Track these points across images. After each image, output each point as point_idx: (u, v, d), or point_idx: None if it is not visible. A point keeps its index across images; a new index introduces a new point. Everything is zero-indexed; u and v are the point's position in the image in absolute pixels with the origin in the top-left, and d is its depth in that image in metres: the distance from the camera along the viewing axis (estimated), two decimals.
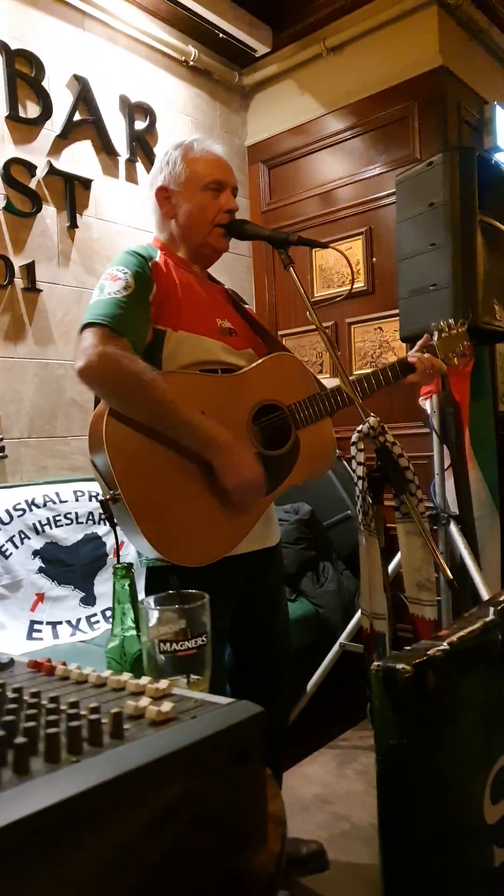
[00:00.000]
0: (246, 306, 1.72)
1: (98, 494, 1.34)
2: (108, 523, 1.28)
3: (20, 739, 0.51)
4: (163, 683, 0.66)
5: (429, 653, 0.84)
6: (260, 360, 1.54)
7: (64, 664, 0.75)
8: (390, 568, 2.22)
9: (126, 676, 0.69)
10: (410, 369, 1.58)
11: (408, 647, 0.88)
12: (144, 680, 0.68)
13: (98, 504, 1.36)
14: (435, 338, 1.62)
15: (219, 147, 1.60)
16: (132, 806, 0.50)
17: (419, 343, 1.64)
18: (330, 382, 1.64)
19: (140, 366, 1.32)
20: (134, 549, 1.51)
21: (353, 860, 1.86)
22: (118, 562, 0.98)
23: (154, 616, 0.79)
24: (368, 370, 1.77)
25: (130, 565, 0.97)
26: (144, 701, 0.61)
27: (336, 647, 2.43)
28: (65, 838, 0.45)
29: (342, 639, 2.42)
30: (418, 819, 0.83)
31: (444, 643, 0.87)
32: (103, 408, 1.33)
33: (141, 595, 1.20)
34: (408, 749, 0.83)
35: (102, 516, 1.31)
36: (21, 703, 0.61)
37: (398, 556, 2.25)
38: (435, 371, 1.58)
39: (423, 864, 0.84)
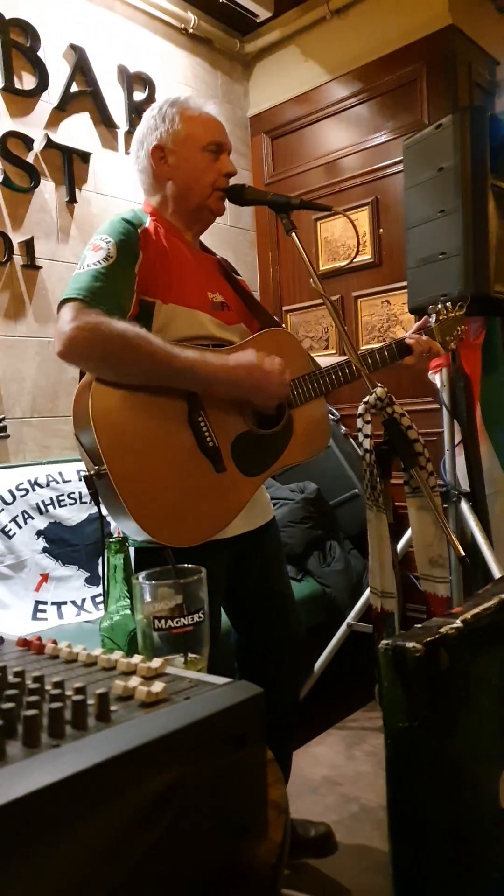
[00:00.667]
0: (238, 278, 1.65)
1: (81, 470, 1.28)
2: (92, 500, 1.22)
3: None
4: (155, 662, 0.62)
5: (441, 630, 0.80)
6: (252, 336, 1.48)
7: (54, 643, 0.71)
8: (399, 547, 2.18)
9: (117, 655, 0.65)
10: (408, 351, 1.56)
11: (419, 625, 0.83)
12: (137, 659, 0.63)
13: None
14: (432, 321, 1.60)
15: (214, 107, 1.52)
16: (118, 795, 0.46)
17: (416, 325, 1.63)
18: (325, 361, 1.59)
19: (121, 326, 1.24)
20: None
21: (362, 843, 1.83)
22: (111, 537, 0.93)
23: (148, 592, 0.75)
24: (375, 345, 1.72)
25: (125, 539, 0.92)
26: (135, 681, 0.57)
27: (343, 627, 2.39)
28: (42, 830, 0.41)
29: (350, 618, 2.38)
30: (430, 805, 0.78)
31: (458, 620, 0.83)
32: (87, 380, 1.27)
33: None
34: (419, 733, 0.79)
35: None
36: (2, 683, 0.57)
37: (407, 534, 2.21)
38: (432, 354, 1.57)
39: (434, 851, 0.79)
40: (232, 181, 1.52)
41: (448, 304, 1.62)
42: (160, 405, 1.30)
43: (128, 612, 0.87)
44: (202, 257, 1.57)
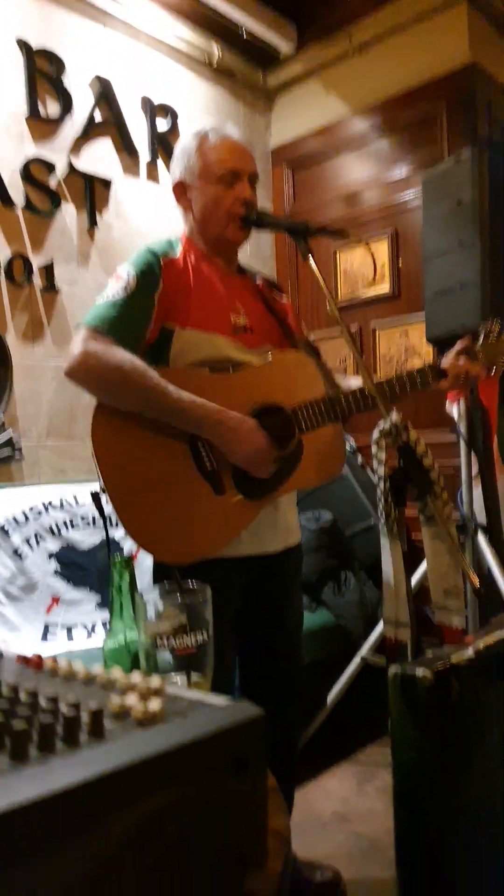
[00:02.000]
0: (284, 301, 1.67)
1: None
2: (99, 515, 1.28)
3: None
4: (155, 681, 0.60)
5: (452, 659, 0.77)
6: (265, 362, 1.48)
7: (54, 660, 0.70)
8: (414, 581, 2.14)
9: (117, 673, 0.63)
10: (442, 375, 1.45)
11: (429, 651, 0.81)
12: (136, 676, 0.62)
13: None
14: (480, 340, 1.47)
15: (236, 131, 1.56)
16: (109, 815, 0.43)
17: (457, 346, 1.47)
18: (353, 382, 1.57)
19: (122, 356, 1.31)
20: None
21: (372, 882, 1.77)
22: (123, 559, 0.92)
23: (152, 610, 0.73)
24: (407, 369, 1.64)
25: (131, 558, 0.91)
26: (131, 698, 0.55)
27: (357, 660, 2.34)
28: (25, 848, 0.39)
29: (363, 652, 2.33)
30: (441, 846, 0.74)
31: (470, 650, 0.80)
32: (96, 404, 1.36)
33: None
34: (430, 766, 0.76)
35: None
36: None
37: (422, 567, 2.17)
38: (469, 378, 1.44)
39: (445, 887, 0.76)
40: None
41: (501, 322, 1.46)
42: (161, 429, 1.34)
43: (132, 632, 0.85)
44: (234, 281, 1.58)
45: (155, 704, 0.53)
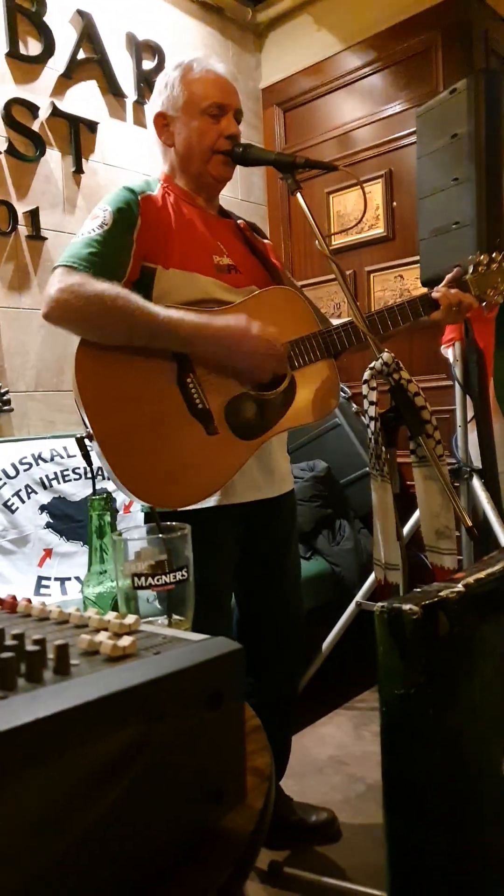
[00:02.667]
0: (265, 241, 1.61)
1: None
2: (85, 461, 1.20)
3: None
4: (129, 619, 0.58)
5: (441, 594, 0.75)
6: (252, 295, 1.42)
7: (28, 601, 0.68)
8: (407, 527, 2.13)
9: (91, 612, 0.61)
10: (434, 305, 1.42)
11: (417, 589, 0.79)
12: (111, 615, 0.60)
13: None
14: (470, 271, 1.46)
15: (221, 65, 1.48)
16: (73, 750, 0.42)
17: (448, 276, 1.47)
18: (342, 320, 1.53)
19: (101, 286, 1.24)
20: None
21: (368, 823, 1.80)
22: (102, 498, 0.89)
23: (130, 548, 0.71)
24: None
25: (109, 496, 0.88)
26: (102, 636, 0.53)
27: (352, 606, 2.35)
28: None
29: (358, 597, 2.34)
30: (428, 777, 0.74)
31: (459, 585, 0.78)
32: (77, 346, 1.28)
33: None
34: (416, 700, 0.74)
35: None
36: None
37: (416, 515, 2.16)
38: (462, 309, 1.42)
39: (431, 824, 0.75)
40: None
41: (492, 254, 1.45)
42: (148, 367, 1.28)
43: (111, 572, 0.83)
44: (215, 222, 1.53)
45: (125, 641, 0.51)
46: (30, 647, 0.47)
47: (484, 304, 1.44)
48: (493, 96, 2.04)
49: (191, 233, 1.43)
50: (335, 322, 1.57)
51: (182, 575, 0.69)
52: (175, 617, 0.71)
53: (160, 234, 1.37)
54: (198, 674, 0.49)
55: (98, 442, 1.19)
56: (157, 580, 0.68)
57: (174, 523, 0.73)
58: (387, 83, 2.98)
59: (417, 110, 2.26)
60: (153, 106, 1.50)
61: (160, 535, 0.71)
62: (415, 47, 2.84)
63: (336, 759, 2.14)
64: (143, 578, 0.69)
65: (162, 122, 1.48)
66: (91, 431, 1.18)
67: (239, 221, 1.60)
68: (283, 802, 1.75)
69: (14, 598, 0.69)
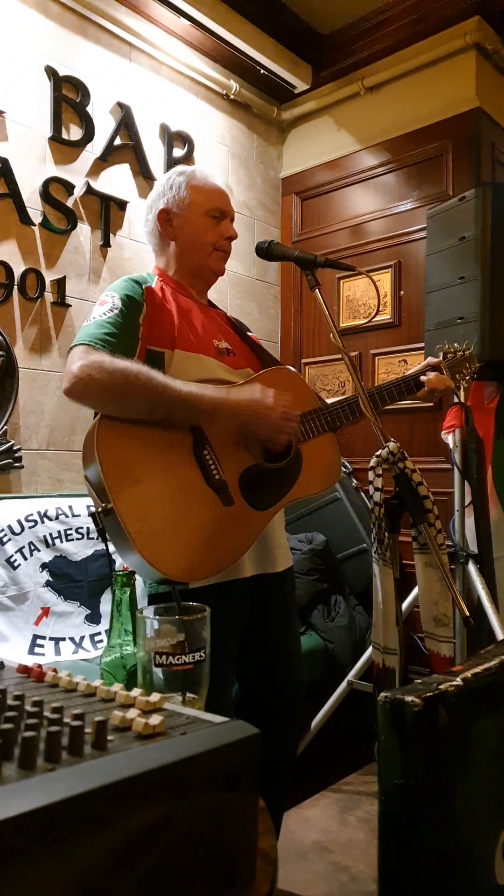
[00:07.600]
0: (249, 333, 1.72)
1: (90, 506, 1.28)
2: (100, 538, 1.21)
3: None
4: (154, 697, 0.62)
5: (440, 687, 0.79)
6: (256, 375, 1.51)
7: (55, 671, 0.72)
8: (405, 606, 2.16)
9: (117, 687, 0.65)
10: (420, 386, 1.62)
11: (419, 681, 0.83)
12: (136, 692, 0.64)
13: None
14: (442, 357, 1.67)
15: (220, 180, 1.64)
16: (108, 824, 0.45)
17: (422, 364, 1.67)
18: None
19: (122, 363, 1.29)
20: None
21: None
22: (125, 574, 0.94)
23: (151, 627, 0.75)
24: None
25: (132, 573, 0.93)
26: (133, 713, 0.57)
27: (344, 685, 2.35)
28: (31, 852, 0.41)
29: (351, 676, 2.34)
30: (423, 871, 0.76)
31: (458, 678, 0.82)
32: (97, 420, 1.30)
33: None
34: (415, 792, 0.77)
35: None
36: (1, 706, 0.57)
37: (413, 593, 2.19)
38: (441, 391, 1.63)
39: None
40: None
41: (455, 344, 1.70)
42: (165, 440, 1.32)
43: (129, 647, 0.86)
44: (209, 311, 1.64)
45: (155, 719, 0.55)
46: (73, 723, 0.51)
47: (462, 389, 1.70)
48: (498, 206, 2.19)
49: (191, 318, 1.53)
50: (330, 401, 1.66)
51: (200, 656, 0.73)
52: (189, 695, 0.75)
53: (164, 319, 1.46)
54: (220, 756, 0.53)
55: (120, 515, 1.19)
56: (178, 660, 0.72)
57: (194, 604, 0.78)
58: (399, 182, 3.18)
59: (428, 211, 2.42)
60: (154, 204, 1.62)
61: (179, 617, 0.75)
62: (427, 153, 3.05)
63: (320, 844, 2.10)
64: (163, 657, 0.73)
65: (165, 217, 1.59)
66: (111, 505, 1.19)
67: (228, 315, 1.73)
68: None
69: (40, 667, 0.73)
